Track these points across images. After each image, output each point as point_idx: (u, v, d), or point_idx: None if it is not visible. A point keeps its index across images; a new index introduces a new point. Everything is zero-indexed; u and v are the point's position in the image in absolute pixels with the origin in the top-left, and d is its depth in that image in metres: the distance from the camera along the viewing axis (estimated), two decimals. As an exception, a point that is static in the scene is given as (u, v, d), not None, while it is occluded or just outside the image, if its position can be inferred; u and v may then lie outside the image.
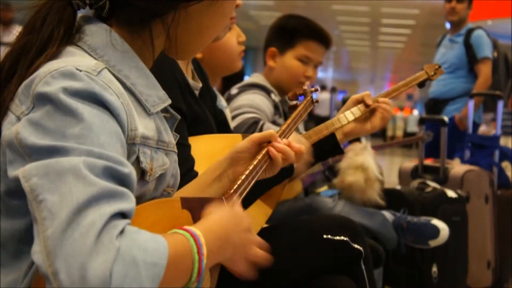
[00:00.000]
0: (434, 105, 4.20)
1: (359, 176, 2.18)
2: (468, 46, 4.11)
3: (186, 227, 0.78)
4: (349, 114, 1.57)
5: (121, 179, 0.75)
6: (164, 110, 0.95)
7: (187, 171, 1.21)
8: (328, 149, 1.59)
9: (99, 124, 0.76)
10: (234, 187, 0.98)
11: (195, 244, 0.76)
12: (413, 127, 17.52)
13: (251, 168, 1.02)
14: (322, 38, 2.22)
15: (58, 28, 0.87)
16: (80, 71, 0.80)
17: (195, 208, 0.87)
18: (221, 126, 1.54)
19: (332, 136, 1.57)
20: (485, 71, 3.99)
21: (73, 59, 0.84)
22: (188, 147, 1.28)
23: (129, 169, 0.76)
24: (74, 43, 0.88)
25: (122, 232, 0.70)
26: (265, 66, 2.32)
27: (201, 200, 0.89)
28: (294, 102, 1.39)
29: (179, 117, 0.99)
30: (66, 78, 0.78)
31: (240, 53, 1.87)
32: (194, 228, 0.79)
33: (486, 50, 4.03)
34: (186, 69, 1.44)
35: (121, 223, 0.71)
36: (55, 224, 0.68)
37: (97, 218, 0.69)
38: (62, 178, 0.71)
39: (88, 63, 0.82)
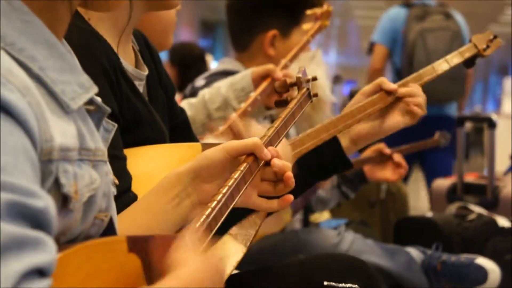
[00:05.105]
0: None
1: None
2: None
3: None
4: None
5: (33, 219, 0.72)
6: (87, 102, 0.91)
7: (122, 193, 1.20)
8: (330, 162, 1.61)
9: None
10: (203, 217, 0.99)
11: None
12: None
13: (229, 184, 1.04)
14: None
15: None
16: None
17: (147, 251, 0.86)
18: (180, 130, 1.54)
19: (333, 142, 1.59)
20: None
21: None
22: (123, 159, 1.27)
23: (44, 202, 0.74)
24: None
25: None
26: (237, 53, 2.34)
27: (156, 239, 0.88)
28: (285, 96, 1.38)
29: (108, 109, 0.97)
30: None
31: (174, 25, 1.83)
32: None
33: (375, 33, 4.50)
34: (124, 50, 1.41)
35: (38, 284, 0.69)
36: None
37: (2, 281, 0.66)
38: None
39: None
